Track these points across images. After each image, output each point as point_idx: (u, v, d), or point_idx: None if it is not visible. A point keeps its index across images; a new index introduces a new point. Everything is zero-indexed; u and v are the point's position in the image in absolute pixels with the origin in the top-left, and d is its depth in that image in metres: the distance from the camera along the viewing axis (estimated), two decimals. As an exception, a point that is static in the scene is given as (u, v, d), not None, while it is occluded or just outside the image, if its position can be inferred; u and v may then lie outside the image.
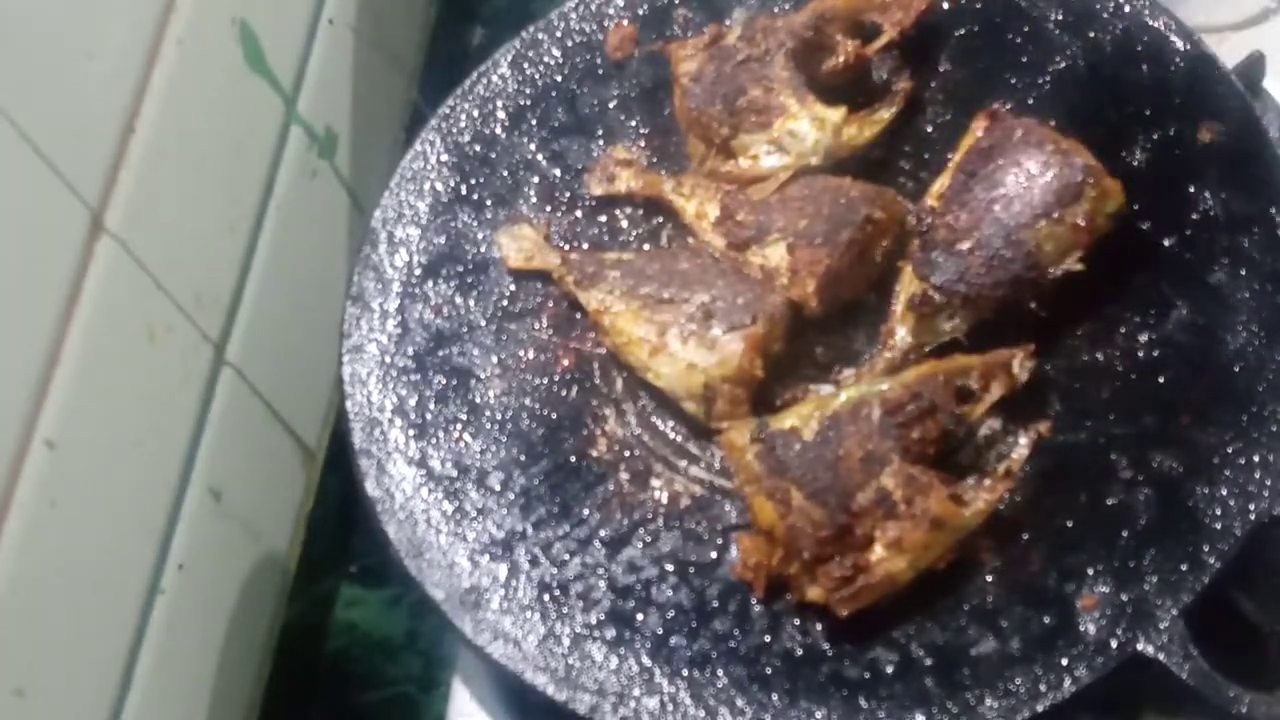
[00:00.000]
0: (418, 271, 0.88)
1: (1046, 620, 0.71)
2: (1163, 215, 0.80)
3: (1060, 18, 0.87)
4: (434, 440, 0.82)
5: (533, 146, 0.91)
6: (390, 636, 1.23)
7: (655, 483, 0.80)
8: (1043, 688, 0.70)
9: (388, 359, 0.85)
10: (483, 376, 0.85)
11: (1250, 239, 0.78)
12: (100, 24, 0.93)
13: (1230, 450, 0.73)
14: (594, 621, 0.76)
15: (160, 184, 0.98)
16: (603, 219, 0.89)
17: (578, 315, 0.85)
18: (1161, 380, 0.77)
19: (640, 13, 0.93)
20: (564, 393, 0.84)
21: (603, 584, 0.77)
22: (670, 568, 0.77)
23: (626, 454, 0.81)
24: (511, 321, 0.86)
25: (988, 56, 0.88)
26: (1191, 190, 0.80)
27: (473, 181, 0.91)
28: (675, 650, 0.74)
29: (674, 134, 0.89)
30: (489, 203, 0.90)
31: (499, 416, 0.83)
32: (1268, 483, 0.72)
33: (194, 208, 1.03)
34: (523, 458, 0.82)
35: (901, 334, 0.79)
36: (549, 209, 0.89)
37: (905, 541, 0.71)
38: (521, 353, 0.85)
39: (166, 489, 0.99)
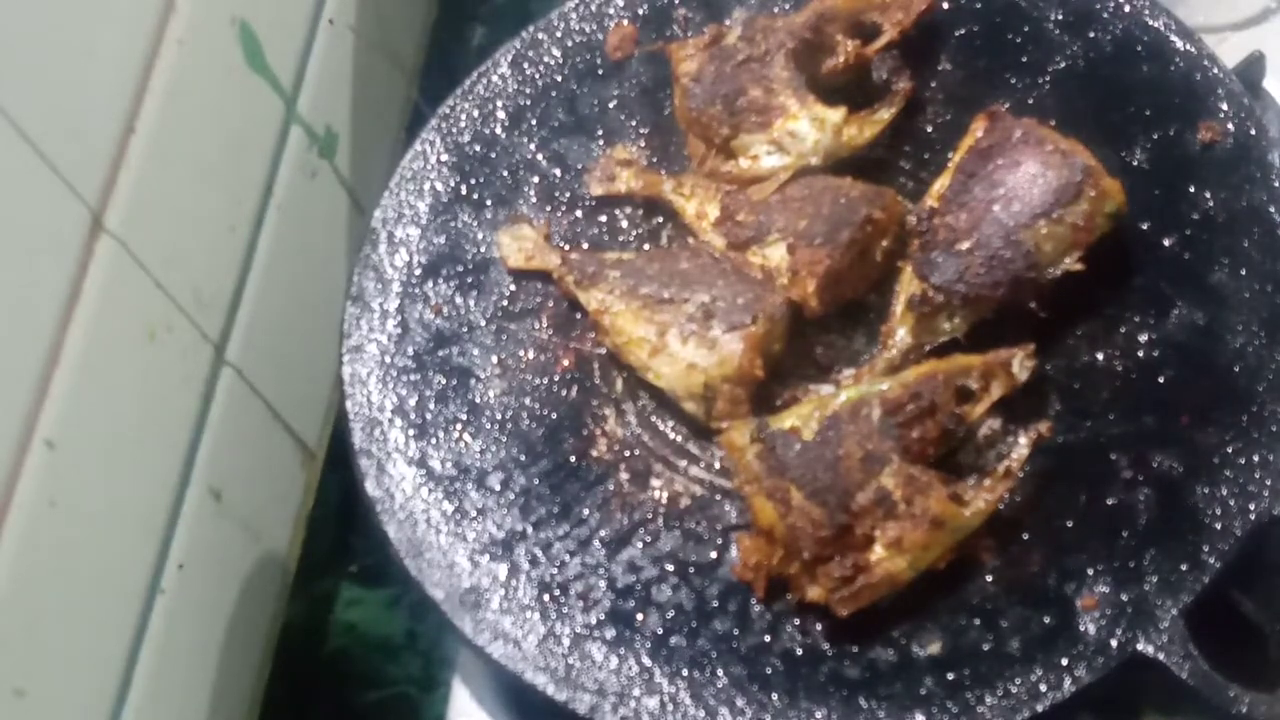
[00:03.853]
0: (418, 271, 0.88)
1: (1046, 620, 0.72)
2: (1163, 215, 0.80)
3: (1060, 18, 0.87)
4: (434, 440, 0.83)
5: (533, 146, 0.91)
6: (390, 636, 1.23)
7: (655, 483, 0.80)
8: (1043, 688, 0.70)
9: (388, 359, 0.85)
10: (483, 376, 0.85)
11: (1250, 239, 0.78)
12: (100, 24, 0.93)
13: (1230, 450, 0.73)
14: (594, 621, 0.76)
15: (160, 184, 0.98)
16: (603, 219, 0.89)
17: (578, 315, 0.85)
18: (1161, 380, 0.77)
19: (640, 13, 0.93)
20: (564, 393, 0.84)
21: (603, 584, 0.77)
22: (670, 568, 0.77)
23: (626, 454, 0.81)
24: (511, 321, 0.86)
25: (988, 56, 0.88)
26: (1191, 190, 0.80)
27: (473, 181, 0.91)
28: (675, 650, 0.74)
29: (674, 134, 0.89)
30: (489, 203, 0.90)
31: (499, 416, 0.83)
32: (1268, 483, 0.72)
33: (194, 208, 1.03)
34: (523, 458, 0.82)
35: (901, 334, 0.79)
36: (549, 209, 0.89)
37: (905, 541, 0.71)
38: (521, 353, 0.85)
39: (166, 489, 0.99)
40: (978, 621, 0.72)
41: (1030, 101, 0.85)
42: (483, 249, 0.89)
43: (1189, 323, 0.78)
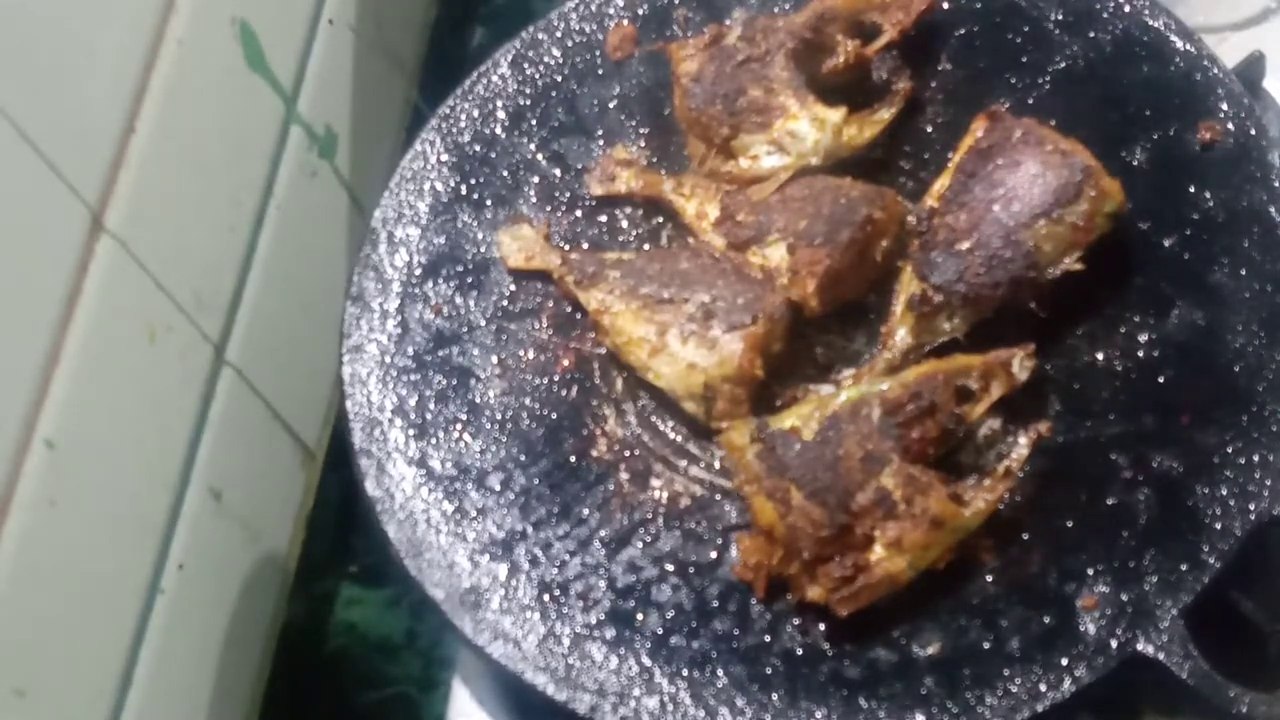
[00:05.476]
0: (418, 271, 0.88)
1: (1046, 620, 0.71)
2: (1163, 215, 0.80)
3: (1060, 18, 0.87)
4: (434, 440, 0.82)
5: (533, 146, 0.91)
6: (390, 636, 1.23)
7: (655, 483, 0.80)
8: (1043, 688, 0.70)
9: (388, 359, 0.85)
10: (483, 376, 0.85)
11: (1250, 239, 0.78)
12: (100, 24, 0.93)
13: (1230, 450, 0.73)
14: (594, 621, 0.76)
15: (160, 184, 0.98)
16: (603, 219, 0.89)
17: (578, 315, 0.85)
18: (1161, 380, 0.77)
19: (640, 13, 0.93)
20: (564, 393, 0.84)
21: (603, 584, 0.77)
22: (670, 568, 0.77)
23: (626, 454, 0.81)
24: (511, 321, 0.86)
25: (988, 56, 0.88)
26: (1191, 190, 0.80)
27: (473, 181, 0.91)
28: (675, 650, 0.74)
29: (674, 134, 0.89)
30: (489, 203, 0.90)
31: (499, 416, 0.83)
32: (1268, 483, 0.72)
33: (194, 208, 1.03)
34: (523, 458, 0.82)
35: (901, 334, 0.79)
36: (549, 209, 0.89)
37: (905, 541, 0.71)
38: (521, 353, 0.85)
39: (166, 489, 0.99)
40: (978, 621, 0.72)
41: (1030, 101, 0.85)
42: (483, 249, 0.89)
43: (1189, 323, 0.78)
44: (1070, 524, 0.74)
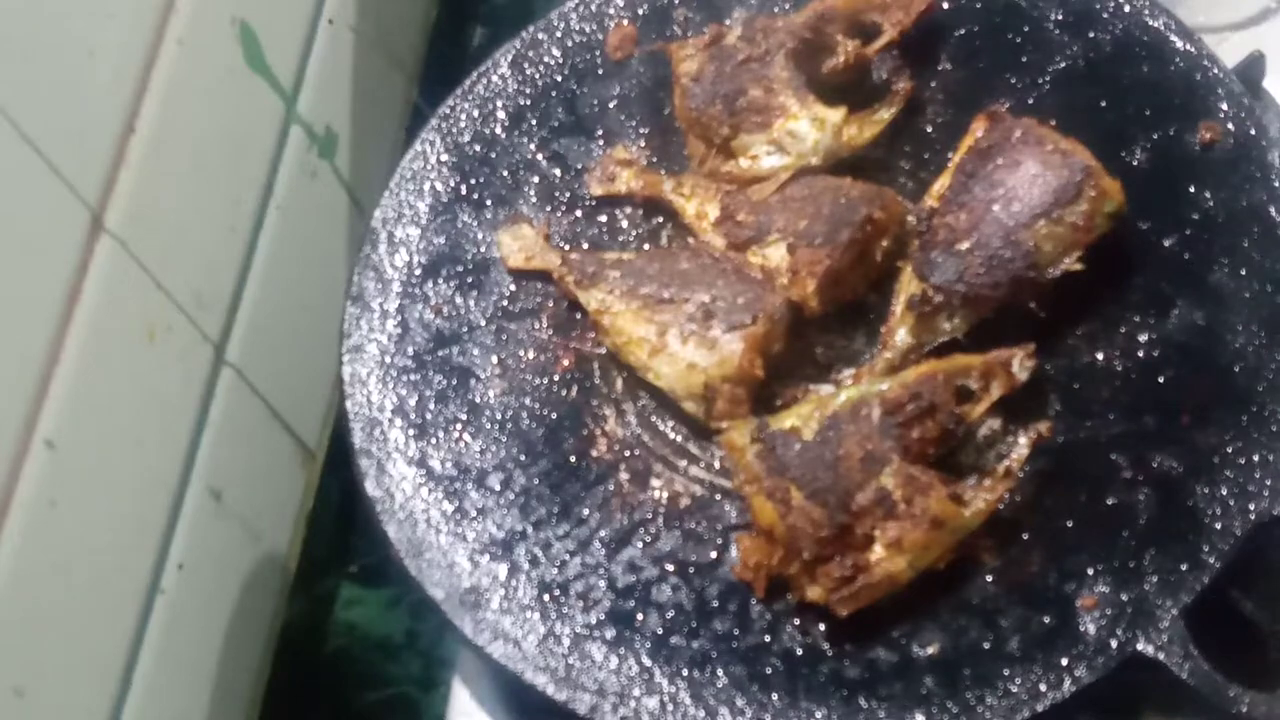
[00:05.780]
0: (418, 271, 0.88)
1: (1046, 620, 0.72)
2: (1163, 215, 0.80)
3: (1060, 18, 0.87)
4: (434, 440, 0.83)
5: (533, 146, 0.91)
6: (390, 636, 1.23)
7: (655, 483, 0.80)
8: (1043, 688, 0.70)
9: (388, 359, 0.85)
10: (483, 376, 0.85)
11: (1250, 239, 0.78)
12: (100, 24, 0.93)
13: (1230, 450, 0.73)
14: (594, 621, 0.76)
15: (160, 184, 0.98)
16: (603, 219, 0.89)
17: (578, 315, 0.85)
18: (1161, 380, 0.77)
19: (640, 13, 0.93)
20: (564, 393, 0.84)
21: (603, 584, 0.77)
22: (670, 568, 0.77)
23: (626, 454, 0.81)
24: (511, 321, 0.86)
25: (988, 56, 0.88)
26: (1191, 190, 0.80)
27: (473, 181, 0.91)
28: (675, 650, 0.74)
29: (674, 134, 0.89)
30: (489, 203, 0.90)
31: (499, 416, 0.83)
32: (1268, 483, 0.72)
33: (194, 208, 1.03)
34: (523, 458, 0.82)
35: (901, 334, 0.79)
36: (549, 209, 0.89)
37: (905, 541, 0.71)
38: (521, 353, 0.85)
39: (166, 489, 0.99)
40: (978, 621, 0.72)
41: (1030, 101, 0.85)
42: (483, 249, 0.89)
43: (1189, 323, 0.78)
44: (1070, 524, 0.74)
